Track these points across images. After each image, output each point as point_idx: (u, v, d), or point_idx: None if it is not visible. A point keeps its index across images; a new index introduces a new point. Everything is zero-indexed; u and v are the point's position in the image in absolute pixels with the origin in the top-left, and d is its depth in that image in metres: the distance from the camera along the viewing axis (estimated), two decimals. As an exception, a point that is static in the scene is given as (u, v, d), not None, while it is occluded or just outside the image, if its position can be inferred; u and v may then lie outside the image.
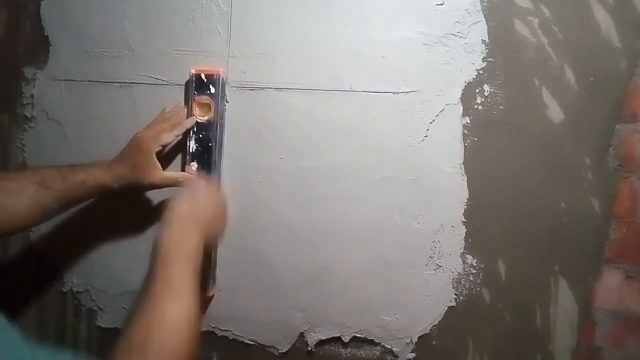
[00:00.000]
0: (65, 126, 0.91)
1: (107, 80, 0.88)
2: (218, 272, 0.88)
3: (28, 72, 0.92)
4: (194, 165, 0.83)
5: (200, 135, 0.83)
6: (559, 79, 0.80)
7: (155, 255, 0.65)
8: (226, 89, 0.85)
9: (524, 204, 0.82)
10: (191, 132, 0.83)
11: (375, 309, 0.86)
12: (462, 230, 0.83)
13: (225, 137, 0.86)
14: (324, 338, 0.87)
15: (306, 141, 0.85)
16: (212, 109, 0.82)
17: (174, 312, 0.61)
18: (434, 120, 0.82)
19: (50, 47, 0.90)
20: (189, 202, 0.71)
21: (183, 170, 0.85)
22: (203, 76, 0.82)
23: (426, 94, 0.82)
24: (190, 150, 0.83)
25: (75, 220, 0.91)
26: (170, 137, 0.81)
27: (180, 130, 0.82)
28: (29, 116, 0.92)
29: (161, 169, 0.80)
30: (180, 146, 0.86)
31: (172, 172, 0.83)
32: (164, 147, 0.81)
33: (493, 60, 0.81)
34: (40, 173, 0.74)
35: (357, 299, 0.86)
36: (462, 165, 0.82)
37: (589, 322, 0.83)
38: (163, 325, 0.60)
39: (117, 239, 0.91)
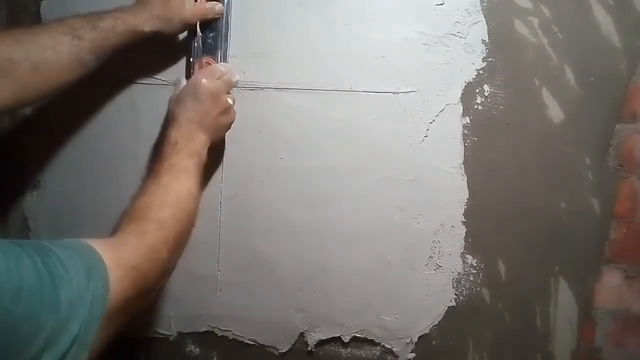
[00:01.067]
0: (65, 125, 0.91)
1: (106, 80, 0.88)
2: (218, 272, 0.89)
3: (28, 72, 0.92)
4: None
5: None
6: (559, 79, 0.80)
7: (161, 149, 0.71)
8: None
9: (524, 204, 0.82)
10: None
11: (375, 309, 0.86)
12: (462, 230, 0.83)
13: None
14: (324, 338, 0.87)
15: (306, 141, 0.85)
16: None
17: (176, 188, 0.67)
18: (434, 120, 0.82)
19: (50, 47, 0.90)
20: (194, 102, 0.73)
21: (191, 66, 0.82)
22: None
23: (426, 94, 0.82)
24: None
25: (74, 220, 0.91)
26: None
27: None
28: (27, 112, 0.91)
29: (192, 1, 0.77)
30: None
31: (200, 3, 0.79)
32: None
33: (493, 60, 0.81)
34: (67, 23, 0.70)
35: (357, 299, 0.86)
36: (462, 165, 0.82)
37: (589, 322, 0.83)
38: (165, 199, 0.65)
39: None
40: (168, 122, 0.74)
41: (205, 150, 0.74)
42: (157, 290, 0.62)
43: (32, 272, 0.41)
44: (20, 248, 0.42)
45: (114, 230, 0.60)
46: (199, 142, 0.73)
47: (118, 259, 0.52)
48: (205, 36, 0.81)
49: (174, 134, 0.71)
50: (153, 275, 0.58)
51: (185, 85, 0.76)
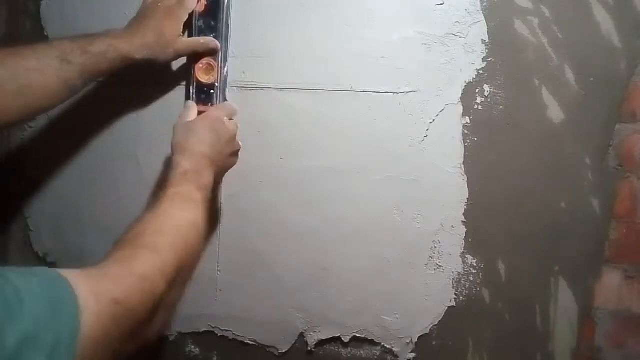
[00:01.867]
0: (65, 125, 0.91)
1: (107, 81, 0.88)
2: (218, 272, 0.89)
3: (28, 72, 0.92)
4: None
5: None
6: (559, 79, 0.80)
7: (167, 177, 0.66)
8: None
9: (524, 204, 0.82)
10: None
11: (375, 309, 0.86)
12: (462, 230, 0.83)
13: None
14: (324, 338, 0.87)
15: (306, 141, 0.85)
16: None
17: (177, 217, 0.60)
18: (434, 120, 0.82)
19: (50, 47, 0.90)
20: (212, 138, 0.71)
21: (191, 67, 0.82)
22: None
23: (426, 94, 0.82)
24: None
25: (74, 221, 0.91)
26: (194, 2, 0.78)
27: None
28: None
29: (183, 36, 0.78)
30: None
31: (194, 38, 0.80)
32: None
33: (493, 60, 0.81)
34: (57, 47, 0.68)
35: (357, 299, 0.86)
36: (462, 165, 0.82)
37: (589, 322, 0.83)
38: (162, 226, 0.57)
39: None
40: (177, 150, 0.70)
41: (211, 188, 0.70)
42: (154, 330, 0.51)
43: None
44: None
45: (112, 250, 0.53)
46: (209, 178, 0.69)
47: (96, 290, 0.43)
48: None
49: (185, 165, 0.67)
50: (144, 310, 0.47)
51: (201, 118, 0.75)
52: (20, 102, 0.65)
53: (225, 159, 0.76)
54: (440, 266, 0.84)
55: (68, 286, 0.41)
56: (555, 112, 0.80)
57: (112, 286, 0.45)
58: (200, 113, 0.78)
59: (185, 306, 0.89)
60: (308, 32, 0.83)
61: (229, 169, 0.80)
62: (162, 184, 0.67)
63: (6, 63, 0.64)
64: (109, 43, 0.71)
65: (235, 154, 0.79)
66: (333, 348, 0.88)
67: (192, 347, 0.91)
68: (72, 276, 0.42)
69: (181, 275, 0.56)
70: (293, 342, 0.88)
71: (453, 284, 0.84)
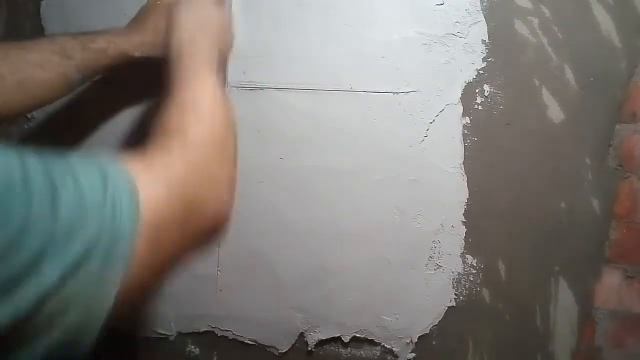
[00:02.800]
0: (64, 125, 0.91)
1: (107, 80, 0.88)
2: (218, 272, 0.89)
3: (28, 72, 0.92)
4: None
5: None
6: (559, 79, 0.80)
7: (172, 58, 0.62)
8: None
9: (524, 203, 0.82)
10: None
11: (375, 309, 0.86)
12: (462, 230, 0.83)
13: None
14: (324, 338, 0.87)
15: (306, 141, 0.85)
16: None
17: (203, 96, 0.59)
18: (434, 120, 0.82)
19: (50, 47, 0.90)
20: (194, 10, 0.66)
21: None
22: None
23: (426, 94, 0.82)
24: None
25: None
26: None
27: None
28: (29, 116, 0.91)
29: None
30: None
31: None
32: None
33: (493, 60, 0.81)
34: (58, 42, 0.69)
35: (357, 299, 0.86)
36: (462, 165, 0.82)
37: (589, 322, 0.83)
38: (197, 108, 0.57)
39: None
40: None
41: None
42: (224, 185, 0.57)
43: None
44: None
45: (151, 144, 0.55)
46: None
47: (143, 162, 0.45)
48: None
49: None
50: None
51: None
52: (20, 95, 0.66)
53: None
54: (440, 266, 0.84)
55: (115, 161, 0.42)
56: (555, 112, 0.80)
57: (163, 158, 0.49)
58: None
59: (185, 306, 0.90)
60: (308, 32, 0.83)
61: None
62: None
63: (10, 56, 0.65)
64: (109, 40, 0.72)
65: None
66: (333, 348, 0.88)
67: (192, 347, 0.91)
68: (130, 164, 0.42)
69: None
70: (293, 342, 0.88)
71: (453, 284, 0.84)
